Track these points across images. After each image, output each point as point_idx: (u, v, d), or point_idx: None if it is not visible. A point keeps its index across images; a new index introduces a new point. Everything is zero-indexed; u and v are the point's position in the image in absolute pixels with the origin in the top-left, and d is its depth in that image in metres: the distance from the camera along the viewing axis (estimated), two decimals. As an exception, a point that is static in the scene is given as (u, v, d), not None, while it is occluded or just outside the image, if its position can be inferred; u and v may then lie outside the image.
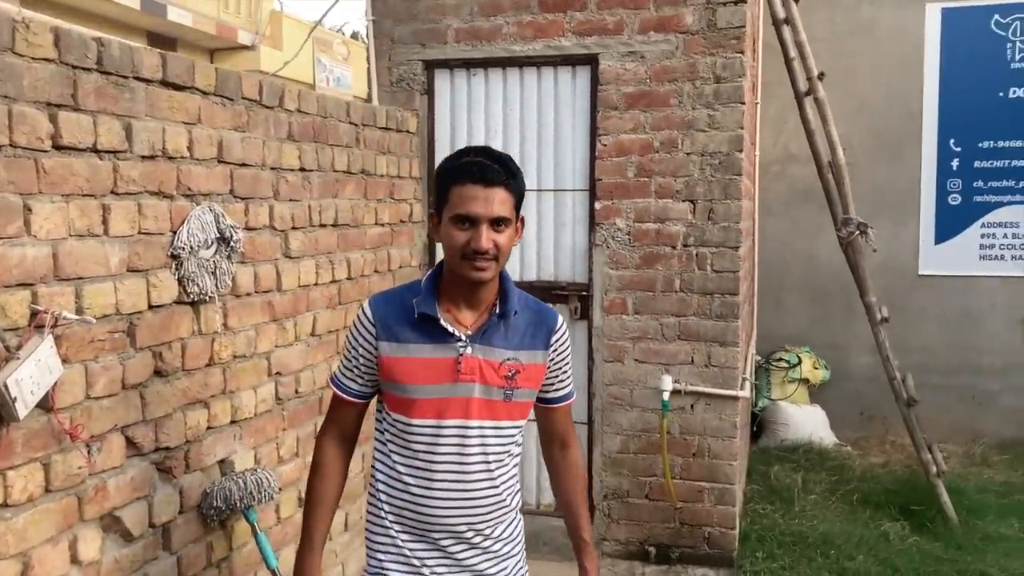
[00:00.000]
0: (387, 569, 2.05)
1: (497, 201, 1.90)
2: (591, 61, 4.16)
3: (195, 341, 2.71)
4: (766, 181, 6.49)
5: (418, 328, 1.98)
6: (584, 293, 4.28)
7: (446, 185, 1.94)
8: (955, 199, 6.16)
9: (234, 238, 2.76)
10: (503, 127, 4.36)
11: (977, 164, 6.10)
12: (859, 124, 6.31)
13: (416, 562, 2.03)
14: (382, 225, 4.02)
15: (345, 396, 2.09)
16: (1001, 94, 6.04)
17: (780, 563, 4.10)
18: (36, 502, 2.14)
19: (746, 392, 4.15)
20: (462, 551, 2.05)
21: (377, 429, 2.10)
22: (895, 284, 6.31)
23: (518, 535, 2.19)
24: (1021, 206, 6.06)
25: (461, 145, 4.38)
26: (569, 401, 2.25)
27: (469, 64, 4.35)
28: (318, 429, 2.05)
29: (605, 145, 4.15)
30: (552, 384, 2.15)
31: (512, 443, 2.09)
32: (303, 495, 2.22)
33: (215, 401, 2.82)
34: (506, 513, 2.11)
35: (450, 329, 1.98)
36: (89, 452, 2.28)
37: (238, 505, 2.74)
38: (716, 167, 4.03)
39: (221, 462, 2.86)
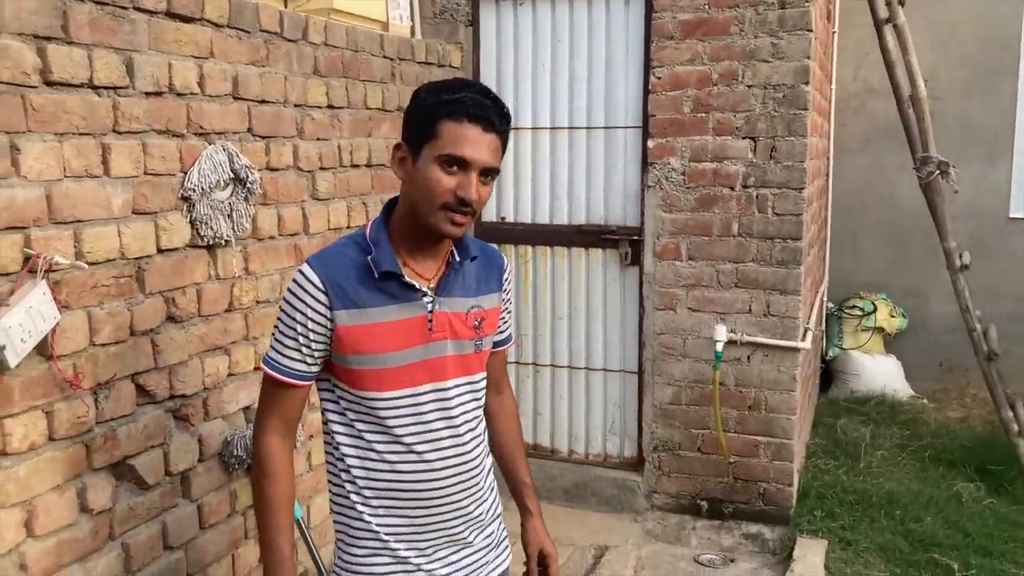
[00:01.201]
0: (378, 572, 1.78)
1: (492, 149, 1.66)
2: (645, -13, 3.88)
3: (212, 286, 2.62)
4: (844, 117, 6.06)
5: (377, 288, 1.70)
6: (635, 238, 4.06)
7: (435, 117, 1.63)
8: (1054, 135, 5.65)
9: (250, 179, 2.65)
10: (551, 61, 4.12)
11: (1080, 96, 5.57)
12: (947, 54, 5.82)
13: (401, 552, 1.78)
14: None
15: (289, 380, 1.72)
16: (1111, 18, 5.47)
17: (840, 522, 3.87)
18: (39, 451, 2.10)
19: (807, 344, 3.89)
20: (465, 529, 1.83)
21: (333, 412, 1.79)
22: (984, 228, 5.87)
23: (496, 495, 1.99)
24: None
25: (508, 81, 4.20)
26: (510, 344, 2.06)
27: (516, -7, 4.12)
28: (256, 424, 1.78)
29: (659, 78, 3.88)
30: (498, 327, 1.93)
31: (483, 394, 1.89)
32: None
33: (236, 347, 2.75)
34: (489, 471, 1.93)
35: (416, 285, 1.72)
36: (96, 399, 2.23)
37: (258, 454, 2.67)
38: (780, 101, 3.73)
39: (245, 409, 2.80)
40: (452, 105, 1.63)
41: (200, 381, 2.59)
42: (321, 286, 1.68)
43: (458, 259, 1.79)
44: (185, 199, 2.46)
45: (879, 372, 5.75)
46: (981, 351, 4.39)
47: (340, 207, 3.25)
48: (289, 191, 2.96)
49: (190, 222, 2.49)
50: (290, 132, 2.94)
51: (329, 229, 3.19)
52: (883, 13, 4.39)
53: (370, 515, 1.76)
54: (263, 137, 2.81)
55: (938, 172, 4.32)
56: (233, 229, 2.64)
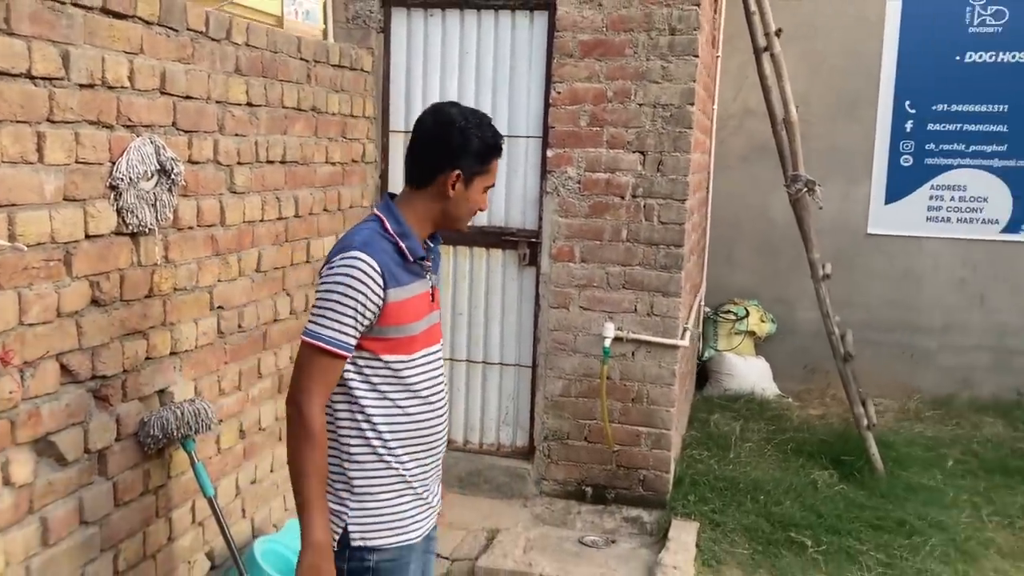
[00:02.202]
0: (402, 510, 2.17)
1: None
2: (548, 7, 4.15)
3: (134, 272, 2.73)
4: (724, 135, 6.54)
5: (405, 267, 2.11)
6: (533, 240, 4.33)
7: (490, 157, 2.17)
8: (907, 160, 6.27)
9: (175, 171, 2.77)
10: (459, 70, 4.36)
11: (930, 127, 6.20)
12: (818, 82, 6.37)
13: (420, 490, 2.20)
14: (333, 164, 4.02)
15: (344, 352, 2.03)
16: (958, 58, 6.11)
17: (711, 506, 4.25)
18: (-33, 424, 2.17)
19: (686, 342, 4.25)
20: (438, 462, 2.29)
21: (357, 381, 2.10)
22: (845, 242, 6.44)
23: None
24: (969, 169, 6.18)
25: (416, 87, 4.40)
26: None
27: (427, 4, 4.32)
28: (299, 396, 2.02)
29: (559, 93, 4.17)
30: None
31: None
32: (287, 457, 2.06)
33: (155, 332, 2.85)
34: None
35: (426, 264, 2.18)
36: (22, 377, 2.32)
37: (175, 434, 2.80)
38: (667, 119, 4.07)
39: (160, 392, 2.91)
40: (498, 150, 2.19)
41: (120, 363, 2.68)
42: (378, 269, 2.03)
43: (431, 244, 2.25)
44: (113, 188, 2.57)
45: (750, 372, 6.23)
46: (838, 353, 4.87)
47: (255, 201, 3.38)
48: (208, 184, 3.08)
49: (117, 210, 2.59)
50: (212, 127, 3.06)
51: (244, 222, 3.32)
52: (762, 42, 4.83)
53: (397, 463, 2.14)
54: (186, 131, 2.92)
55: (805, 189, 4.78)
56: (156, 218, 2.75)
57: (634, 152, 4.13)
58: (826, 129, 6.37)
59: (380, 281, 2.03)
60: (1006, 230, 6.19)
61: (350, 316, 2.01)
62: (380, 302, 2.04)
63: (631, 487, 4.32)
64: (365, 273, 2.01)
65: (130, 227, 2.65)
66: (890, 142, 6.28)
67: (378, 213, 2.17)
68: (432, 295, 2.22)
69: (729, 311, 6.41)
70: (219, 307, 3.21)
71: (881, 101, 6.27)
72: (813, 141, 6.39)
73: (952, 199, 6.23)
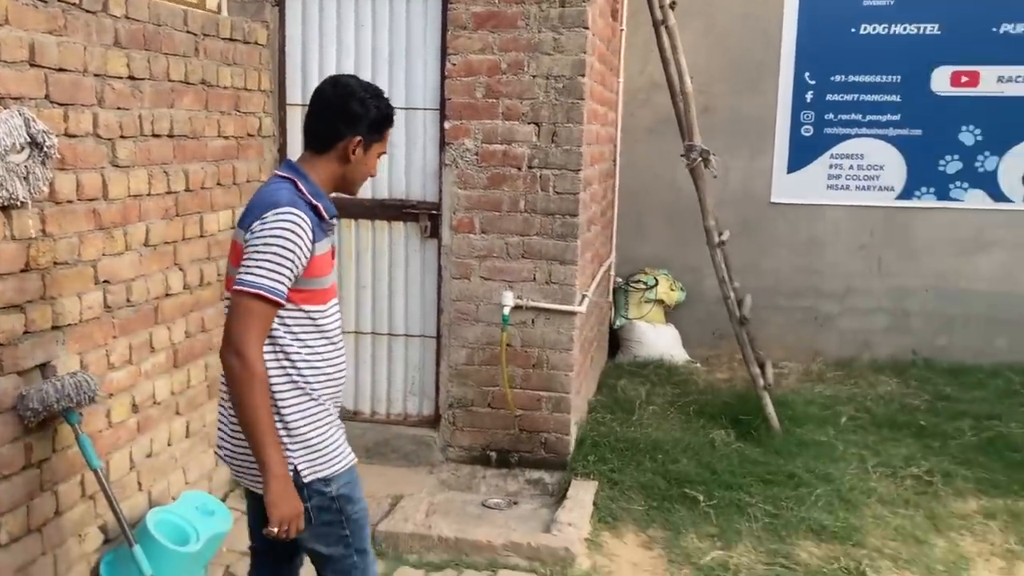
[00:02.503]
0: (335, 439, 2.39)
1: None
2: (442, -21, 4.20)
3: (7, 246, 2.71)
4: (632, 108, 6.65)
5: (321, 227, 2.30)
6: (434, 212, 4.39)
7: (385, 126, 2.40)
8: (807, 131, 6.47)
9: (48, 143, 2.75)
10: (355, 43, 4.37)
11: (829, 97, 6.40)
12: (720, 55, 6.52)
13: (338, 421, 2.44)
14: (226, 138, 4.02)
15: (281, 300, 2.19)
16: (853, 29, 6.31)
17: (610, 466, 4.39)
18: None
19: (583, 308, 4.37)
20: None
21: (282, 332, 2.26)
22: (750, 211, 6.64)
23: None
24: (867, 139, 6.41)
25: (313, 61, 4.41)
26: None
27: (321, -23, 4.33)
28: (239, 343, 2.14)
29: (455, 65, 4.22)
30: None
31: None
32: (235, 404, 2.18)
33: (33, 306, 2.84)
34: None
35: (332, 223, 2.38)
36: None
37: (56, 407, 2.80)
38: (560, 91, 4.16)
39: (42, 366, 2.90)
40: (391, 120, 2.42)
41: (-5, 337, 2.68)
42: (309, 224, 2.22)
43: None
44: (-21, 161, 2.55)
45: (659, 340, 6.40)
46: (734, 316, 5.05)
47: (141, 175, 3.38)
48: (88, 157, 3.07)
49: (-16, 183, 2.58)
50: (90, 100, 3.05)
51: (130, 195, 3.31)
52: (659, 15, 4.94)
53: (320, 397, 2.35)
54: (61, 104, 2.91)
55: (700, 159, 4.92)
56: (29, 192, 2.74)
57: (529, 123, 4.21)
58: (729, 101, 6.53)
59: (311, 235, 2.21)
60: (901, 196, 6.44)
61: (287, 267, 2.17)
62: (309, 255, 2.22)
63: (533, 450, 4.44)
64: (300, 227, 2.19)
65: (0, 200, 2.64)
66: (791, 113, 6.47)
67: (285, 175, 2.33)
68: (334, 252, 2.44)
69: (639, 280, 6.56)
70: (105, 281, 3.21)
71: (782, 73, 6.44)
72: (717, 113, 6.57)
73: (851, 167, 6.46)
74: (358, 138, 2.34)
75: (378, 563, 2.78)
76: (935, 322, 6.54)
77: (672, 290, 6.64)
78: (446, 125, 4.27)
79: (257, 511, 2.45)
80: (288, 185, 2.28)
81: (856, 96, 6.38)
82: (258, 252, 2.17)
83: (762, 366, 5.36)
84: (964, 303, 6.48)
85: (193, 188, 3.75)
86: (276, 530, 2.19)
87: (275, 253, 2.16)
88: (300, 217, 2.19)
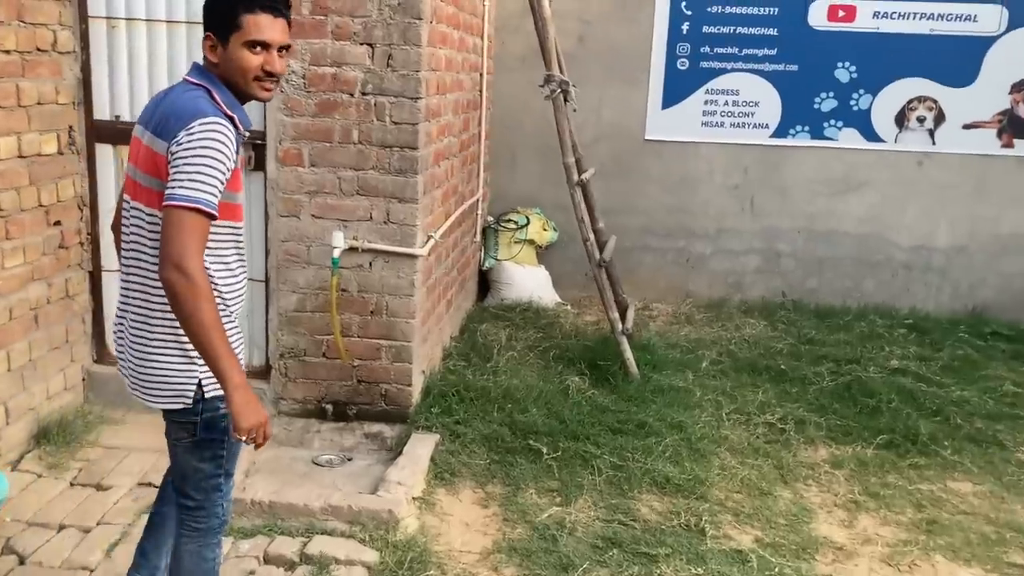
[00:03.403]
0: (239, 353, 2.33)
1: (282, 29, 2.22)
2: None
3: None
4: (504, 35, 6.28)
5: (237, 139, 2.21)
6: (259, 142, 3.96)
7: (235, 12, 2.16)
8: (683, 64, 6.22)
9: None
10: (165, -53, 3.86)
11: (705, 29, 6.15)
12: (596, -20, 6.18)
13: (238, 325, 2.41)
14: (7, 52, 3.48)
15: (215, 213, 2.12)
16: (732, -42, 6.05)
17: (455, 417, 4.14)
18: None
19: (423, 251, 4.04)
20: None
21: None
22: (624, 148, 6.39)
23: None
24: (742, 74, 6.20)
25: (117, -34, 3.86)
26: None
27: None
28: (182, 259, 2.06)
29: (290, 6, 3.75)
30: None
31: None
32: (183, 320, 2.09)
33: None
34: None
35: (245, 135, 2.30)
36: None
37: None
38: (395, 8, 3.75)
39: None
40: (245, 4, 2.16)
41: None
42: (234, 136, 2.16)
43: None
44: None
45: (529, 281, 6.15)
46: (593, 259, 4.81)
47: None
48: None
49: None
50: None
51: None
52: (517, -68, 4.54)
53: (233, 315, 2.34)
54: None
55: (560, 91, 4.60)
56: None
57: (361, 44, 3.80)
58: (604, 31, 6.22)
59: (235, 147, 2.17)
60: (775, 135, 6.29)
61: (219, 179, 2.11)
62: (233, 167, 2.17)
63: (373, 402, 4.14)
64: (228, 137, 2.13)
65: None
66: (667, 45, 6.20)
67: (198, 82, 2.23)
68: (245, 167, 2.42)
69: (510, 220, 6.27)
70: None
71: (658, 1, 6.14)
72: (593, 44, 6.26)
73: (726, 103, 6.26)
74: (207, 34, 2.22)
75: None
76: (805, 264, 6.48)
77: (544, 230, 6.38)
78: (270, 45, 3.82)
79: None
80: (203, 94, 2.20)
81: (733, 28, 6.14)
82: (189, 164, 2.09)
83: (624, 311, 5.18)
84: (834, 245, 6.42)
85: (-43, 109, 3.24)
86: (244, 438, 2.15)
87: (207, 165, 2.10)
88: (226, 127, 2.14)
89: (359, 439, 4.08)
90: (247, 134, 2.32)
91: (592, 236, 4.81)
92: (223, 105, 2.20)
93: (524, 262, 6.25)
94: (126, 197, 2.34)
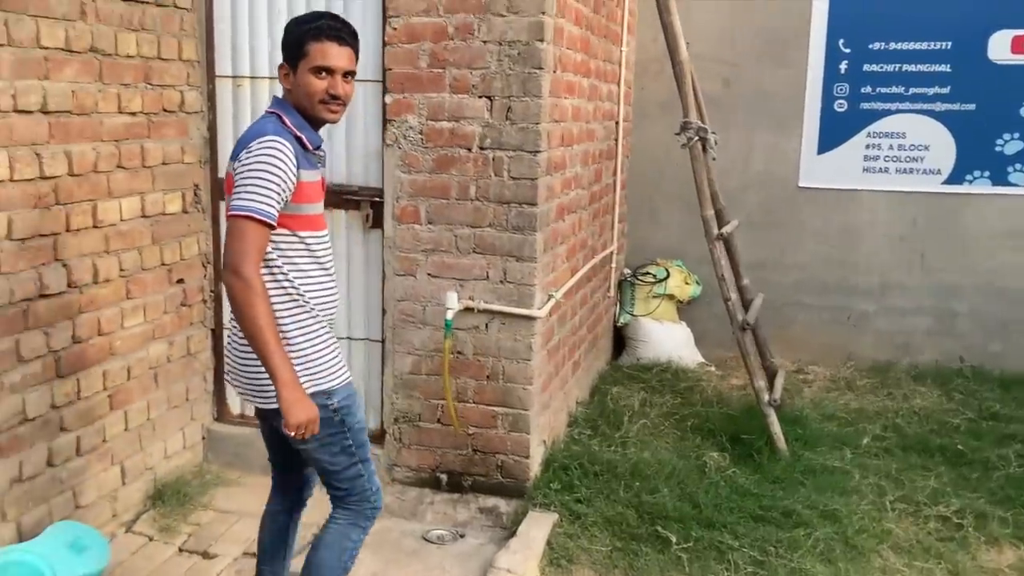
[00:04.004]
0: (334, 354, 2.53)
1: (348, 57, 2.44)
2: (381, -71, 3.61)
3: None
4: (644, 81, 5.99)
5: (307, 158, 2.43)
6: (377, 199, 3.84)
7: (304, 41, 2.39)
8: (841, 105, 5.70)
9: None
10: (287, 6, 3.82)
11: (866, 68, 5.61)
12: (744, 21, 5.79)
13: (334, 338, 2.58)
14: (133, 115, 3.52)
15: (271, 222, 2.30)
16: (896, -9, 5.52)
17: (576, 495, 3.80)
18: None
19: (542, 312, 3.76)
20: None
21: (279, 257, 2.41)
22: (775, 196, 5.92)
23: None
24: (909, 115, 5.61)
25: (243, 26, 3.89)
26: None
27: (249, -70, 3.79)
28: (237, 263, 2.26)
29: (395, 29, 3.64)
30: None
31: None
32: (239, 321, 2.29)
33: None
34: None
35: (320, 156, 2.53)
36: None
37: None
38: (515, 59, 3.54)
39: None
40: (316, 31, 2.39)
41: None
42: (292, 151, 2.34)
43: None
44: None
45: (667, 339, 5.75)
46: (735, 320, 4.38)
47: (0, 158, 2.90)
48: (-90, 137, 2.60)
49: None
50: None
51: (-21, 182, 2.84)
52: (653, -28, 4.27)
53: (319, 315, 2.50)
54: None
55: (697, 139, 4.25)
56: None
57: (480, 97, 3.61)
58: (752, 73, 5.80)
59: (294, 161, 2.33)
60: (949, 181, 5.63)
61: (274, 190, 2.28)
62: (295, 179, 2.34)
63: (488, 474, 3.88)
64: (283, 152, 2.31)
65: None
66: (822, 85, 5.70)
67: (273, 110, 2.46)
68: (323, 185, 2.57)
69: (647, 273, 5.90)
70: (-58, 282, 2.75)
71: (812, 40, 5.67)
72: (738, 86, 5.86)
73: (890, 148, 5.67)
74: (281, 64, 2.46)
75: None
76: (987, 325, 5.72)
77: (687, 283, 5.97)
78: (387, 99, 3.71)
79: (266, 424, 2.66)
80: (273, 119, 2.41)
81: (898, 66, 5.57)
82: (245, 178, 2.29)
83: (772, 376, 4.71)
84: (1022, 305, 5.64)
85: (80, 172, 3.27)
86: (293, 433, 2.28)
87: (260, 177, 2.28)
88: (283, 144, 2.31)
89: (473, 513, 3.81)
90: (321, 153, 2.54)
91: (735, 295, 4.39)
92: (292, 127, 2.40)
93: (663, 318, 5.85)
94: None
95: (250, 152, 2.30)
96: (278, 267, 2.40)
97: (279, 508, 2.86)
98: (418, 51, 3.63)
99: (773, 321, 5.81)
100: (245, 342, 2.38)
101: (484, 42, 3.56)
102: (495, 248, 3.70)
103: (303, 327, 2.44)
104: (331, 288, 2.55)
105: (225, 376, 2.63)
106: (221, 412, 4.22)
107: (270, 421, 2.57)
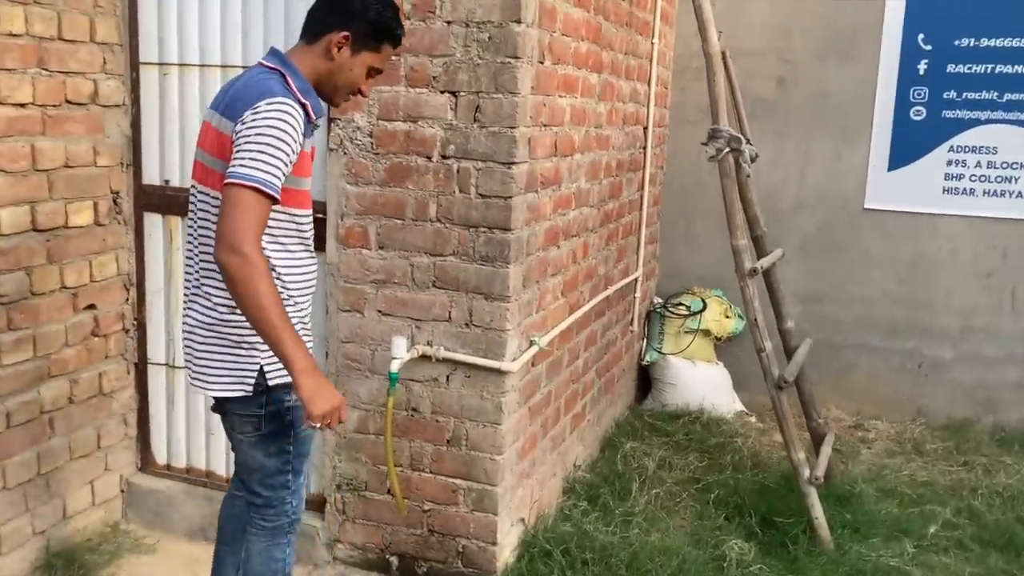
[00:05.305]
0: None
1: None
2: None
3: None
4: (684, 80, 5.17)
5: (308, 124, 2.17)
6: (319, 215, 3.12)
7: (384, 39, 2.22)
8: (919, 113, 4.77)
9: None
10: (221, -23, 3.15)
11: (951, 68, 4.68)
12: (803, 9, 4.92)
13: (309, 330, 2.37)
14: (20, 106, 2.88)
15: (276, 196, 2.05)
16: (991, -24, 4.58)
17: (555, 594, 3.03)
18: None
19: (515, 364, 2.99)
20: None
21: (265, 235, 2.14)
22: (835, 218, 5.02)
23: None
24: (1003, 126, 4.65)
25: (169, 5, 3.23)
26: None
27: None
28: (238, 239, 1.98)
29: (342, 6, 2.92)
30: None
31: None
32: (241, 303, 2.01)
33: None
34: None
35: (316, 124, 2.26)
36: None
37: None
38: (484, 44, 2.79)
39: None
40: (395, 37, 2.24)
41: None
42: (301, 118, 2.10)
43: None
44: None
45: (700, 382, 4.91)
46: (770, 375, 3.54)
47: None
48: None
49: None
50: None
51: None
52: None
53: (297, 304, 2.27)
54: None
55: (728, 150, 3.43)
56: None
57: (442, 92, 2.86)
58: (811, 72, 4.93)
59: (303, 129, 2.10)
60: (1050, 207, 4.66)
61: (281, 160, 2.05)
62: (299, 149, 2.12)
63: (447, 560, 3.13)
64: (295, 119, 2.07)
65: None
66: (897, 89, 4.78)
67: (272, 65, 2.18)
68: (313, 155, 2.34)
69: (680, 303, 5.07)
70: None
71: (886, 35, 4.76)
72: (794, 87, 5.00)
73: (977, 165, 4.72)
74: (344, 33, 2.17)
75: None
76: (1093, 382, 4.73)
77: (727, 317, 5.11)
78: (331, 93, 2.99)
79: (222, 413, 2.36)
80: (277, 77, 2.14)
81: (990, 67, 4.63)
82: (251, 143, 2.03)
83: (819, 441, 3.85)
84: None
85: (-68, 176, 2.64)
86: (318, 425, 2.06)
87: (270, 145, 2.03)
88: (295, 109, 2.08)
89: (424, 610, 3.07)
90: (319, 124, 2.27)
91: (768, 345, 3.55)
92: (296, 90, 2.15)
93: (696, 357, 5.01)
94: (193, 182, 2.27)
95: (257, 113, 2.04)
96: (262, 246, 2.11)
97: (237, 491, 2.54)
98: (368, 34, 2.90)
99: (829, 365, 4.95)
100: (204, 326, 2.21)
101: (447, 23, 2.81)
102: (459, 282, 2.94)
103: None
104: (313, 271, 2.34)
105: (184, 360, 2.34)
106: (146, 460, 3.56)
107: (226, 411, 2.33)
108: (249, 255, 1.98)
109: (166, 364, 3.47)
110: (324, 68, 2.20)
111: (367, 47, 2.19)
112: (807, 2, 4.90)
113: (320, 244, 3.10)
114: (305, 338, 2.24)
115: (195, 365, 2.27)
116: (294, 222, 2.23)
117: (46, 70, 2.97)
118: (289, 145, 2.05)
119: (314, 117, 2.19)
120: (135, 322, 3.45)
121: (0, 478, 2.98)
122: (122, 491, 3.50)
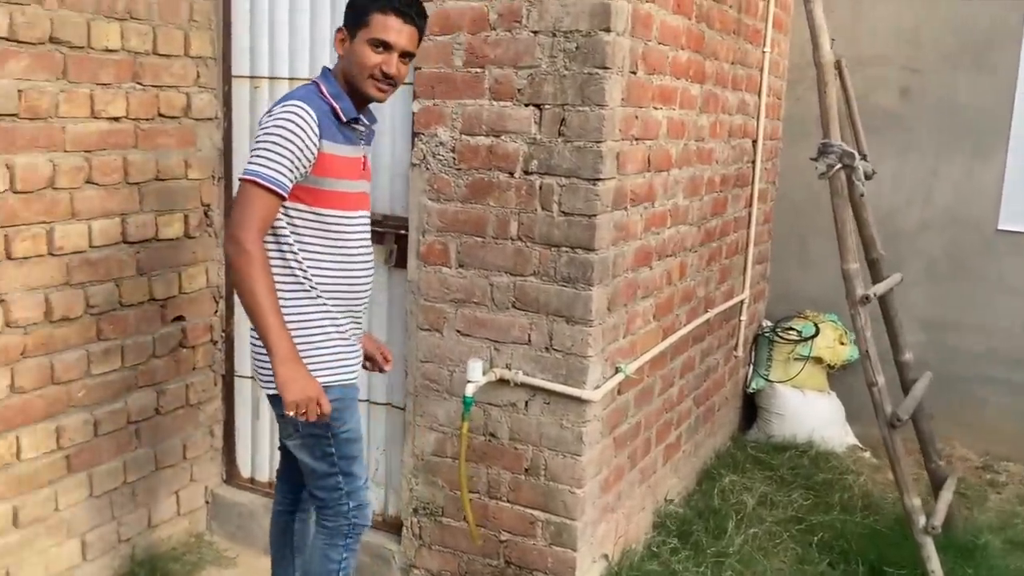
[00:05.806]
0: (336, 349, 2.35)
1: (410, 36, 2.27)
2: None
3: None
4: (800, 90, 4.87)
5: (339, 129, 2.26)
6: (403, 231, 3.05)
7: (368, 10, 2.23)
8: (1064, 126, 4.33)
9: None
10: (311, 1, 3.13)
11: (1103, 76, 4.23)
12: (932, 14, 4.55)
13: (346, 334, 2.39)
14: (114, 120, 2.93)
15: (281, 192, 2.15)
16: None
17: (634, 639, 2.84)
18: None
19: (598, 393, 2.81)
20: (362, 316, 2.49)
21: (288, 227, 2.25)
22: (964, 240, 4.62)
23: None
24: None
25: (262, 22, 3.24)
26: None
27: (271, -100, 3.12)
28: (236, 230, 2.12)
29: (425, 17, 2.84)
30: None
31: None
32: (238, 290, 2.17)
33: None
34: None
35: (360, 131, 2.34)
36: None
37: None
38: (572, 54, 2.65)
39: None
40: (382, 1, 2.22)
41: None
42: (315, 118, 2.18)
43: (367, 119, 2.37)
44: None
45: (808, 413, 4.59)
46: (882, 413, 3.23)
47: None
48: None
49: None
50: None
51: None
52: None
53: (327, 303, 2.32)
54: None
55: (841, 167, 3.16)
56: None
57: (526, 105, 2.73)
58: (940, 81, 4.55)
59: (316, 130, 2.18)
60: None
61: (287, 158, 2.14)
62: (316, 149, 2.19)
63: (523, 595, 2.98)
64: (303, 119, 2.16)
65: None
66: (1038, 99, 4.36)
67: (315, 79, 2.31)
68: (364, 164, 2.38)
69: (791, 328, 4.76)
70: None
71: (1027, 40, 4.36)
72: (920, 98, 4.64)
73: None
74: (339, 28, 2.30)
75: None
76: None
77: (842, 343, 4.76)
78: (415, 106, 2.91)
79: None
80: (311, 87, 2.28)
81: None
82: (260, 142, 2.16)
83: (939, 485, 3.51)
84: None
85: (28, 188, 2.70)
86: (293, 413, 2.14)
87: (274, 143, 2.14)
88: (303, 109, 2.17)
89: (497, 646, 2.93)
90: (362, 128, 2.34)
91: (881, 379, 3.25)
92: (327, 95, 2.25)
93: (806, 386, 4.69)
94: None
95: (270, 116, 2.19)
96: (288, 244, 2.26)
97: (281, 508, 2.70)
98: (452, 45, 2.81)
99: (955, 400, 4.54)
100: None
101: (534, 32, 2.68)
102: (539, 304, 2.80)
103: (302, 312, 2.29)
104: (349, 277, 2.35)
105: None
106: (231, 473, 3.58)
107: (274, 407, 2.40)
108: (246, 246, 2.11)
109: (252, 377, 3.47)
110: (343, 66, 2.29)
111: (358, 26, 2.24)
112: (937, 6, 4.54)
113: (401, 261, 3.07)
114: (334, 340, 2.33)
115: (253, 361, 2.40)
116: (321, 222, 2.27)
117: (140, 84, 3.01)
118: (295, 143, 2.15)
119: (344, 118, 2.25)
120: (223, 334, 3.47)
121: (87, 486, 3.02)
122: (206, 502, 3.53)
